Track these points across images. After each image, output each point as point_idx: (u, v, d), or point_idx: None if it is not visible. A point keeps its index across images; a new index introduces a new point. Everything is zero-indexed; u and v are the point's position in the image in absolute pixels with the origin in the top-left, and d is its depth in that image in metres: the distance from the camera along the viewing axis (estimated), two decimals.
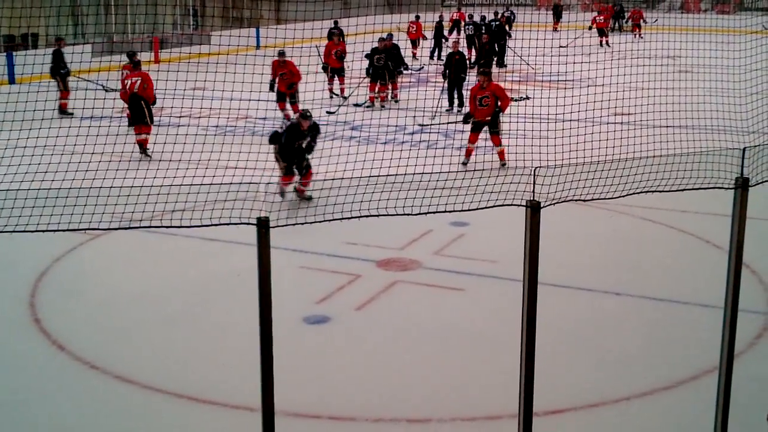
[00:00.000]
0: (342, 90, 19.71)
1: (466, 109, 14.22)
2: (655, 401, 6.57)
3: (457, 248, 9.97)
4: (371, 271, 9.29)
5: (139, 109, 14.19)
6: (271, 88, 16.32)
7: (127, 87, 14.40)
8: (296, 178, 11.20)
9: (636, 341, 7.62)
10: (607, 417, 6.37)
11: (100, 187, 4.89)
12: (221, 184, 3.74)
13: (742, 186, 4.41)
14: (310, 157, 11.31)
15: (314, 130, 11.45)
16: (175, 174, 5.30)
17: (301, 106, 15.22)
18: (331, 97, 19.51)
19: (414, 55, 25.91)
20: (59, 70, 17.58)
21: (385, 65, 18.80)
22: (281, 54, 16.52)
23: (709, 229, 9.85)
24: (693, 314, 8.12)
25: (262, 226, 3.55)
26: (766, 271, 9.00)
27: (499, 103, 13.36)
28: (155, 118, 14.41)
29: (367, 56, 18.98)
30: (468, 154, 13.50)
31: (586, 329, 7.84)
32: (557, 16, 36.82)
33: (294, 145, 11.13)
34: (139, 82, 14.25)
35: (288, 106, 16.72)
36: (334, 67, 19.79)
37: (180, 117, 14.25)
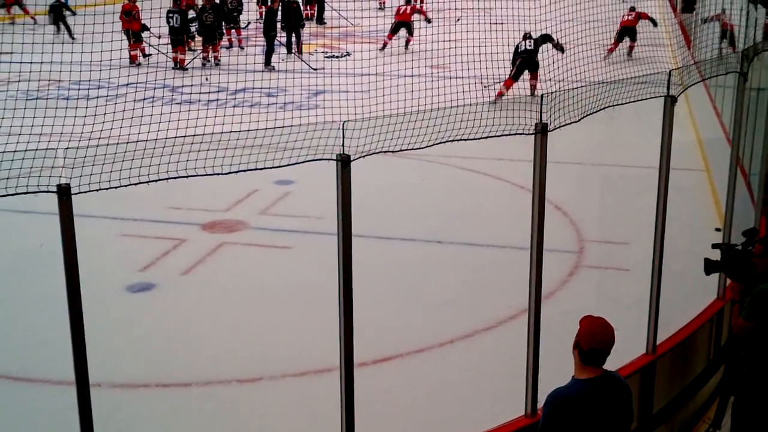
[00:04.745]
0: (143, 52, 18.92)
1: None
2: (477, 342, 6.85)
3: (283, 206, 9.97)
4: (196, 234, 9.15)
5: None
6: None
7: None
8: None
9: (458, 286, 7.88)
10: (432, 361, 6.58)
11: None
12: (15, 151, 3.56)
13: (541, 131, 4.64)
14: None
15: None
16: None
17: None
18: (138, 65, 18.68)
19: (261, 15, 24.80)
20: None
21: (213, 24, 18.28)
22: None
23: (523, 175, 10.22)
24: (511, 257, 8.45)
25: (63, 193, 3.43)
26: (577, 213, 9.49)
27: None
28: None
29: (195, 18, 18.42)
30: None
31: (411, 278, 8.03)
32: None
33: None
34: None
35: None
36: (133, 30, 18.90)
37: None
